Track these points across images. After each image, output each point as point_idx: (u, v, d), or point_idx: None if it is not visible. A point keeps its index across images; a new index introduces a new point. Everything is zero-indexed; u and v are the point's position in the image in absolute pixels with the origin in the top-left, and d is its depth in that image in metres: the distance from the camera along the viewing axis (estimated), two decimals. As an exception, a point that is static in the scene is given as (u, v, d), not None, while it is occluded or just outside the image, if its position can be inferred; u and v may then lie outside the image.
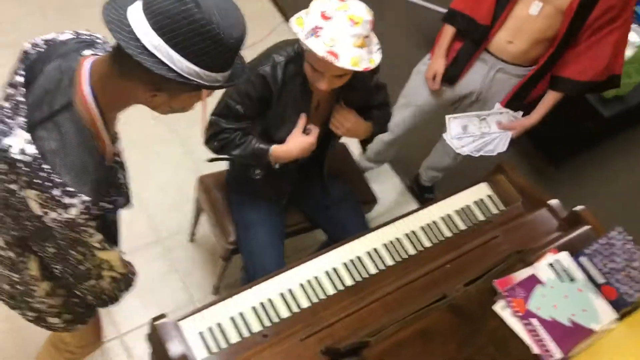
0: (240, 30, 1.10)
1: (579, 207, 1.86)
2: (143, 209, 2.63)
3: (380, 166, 3.01)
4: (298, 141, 1.86)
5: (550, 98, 2.29)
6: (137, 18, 1.04)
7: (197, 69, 1.06)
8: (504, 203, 2.00)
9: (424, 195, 3.04)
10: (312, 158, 1.97)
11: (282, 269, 1.71)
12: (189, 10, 1.01)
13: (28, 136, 1.08)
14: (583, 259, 1.71)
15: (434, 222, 1.92)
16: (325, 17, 1.57)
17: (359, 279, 1.73)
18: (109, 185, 1.26)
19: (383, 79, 1.99)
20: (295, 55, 1.78)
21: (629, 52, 3.27)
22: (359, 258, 1.78)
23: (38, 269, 1.38)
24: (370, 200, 2.41)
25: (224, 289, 2.47)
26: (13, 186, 1.14)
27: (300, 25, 1.62)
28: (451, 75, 2.36)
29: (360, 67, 1.60)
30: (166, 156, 2.84)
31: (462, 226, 1.93)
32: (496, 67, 2.30)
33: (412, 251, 1.83)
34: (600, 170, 3.51)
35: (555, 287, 1.65)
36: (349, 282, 1.72)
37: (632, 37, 3.39)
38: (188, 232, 2.58)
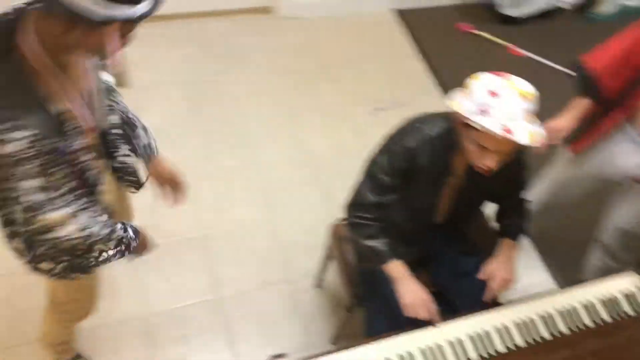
0: None
1: None
2: (280, 246, 2.73)
3: None
4: (417, 295, 1.84)
5: None
6: None
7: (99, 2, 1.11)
8: (658, 299, 1.82)
9: None
10: (450, 226, 1.93)
11: (404, 330, 1.68)
12: None
13: None
14: None
15: (574, 308, 1.78)
16: (493, 94, 1.56)
17: (484, 354, 1.65)
18: (63, 132, 1.29)
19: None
20: (445, 132, 1.76)
21: None
22: (486, 332, 1.69)
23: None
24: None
25: (343, 340, 2.46)
26: None
27: (461, 106, 1.62)
28: (573, 136, 2.18)
29: (537, 143, 1.57)
30: (307, 200, 2.94)
31: (606, 317, 1.77)
32: None
33: (546, 335, 1.71)
34: None
35: None
36: (473, 355, 1.64)
37: None
38: (316, 277, 2.63)
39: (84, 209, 1.42)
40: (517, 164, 1.89)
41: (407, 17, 3.98)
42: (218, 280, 2.61)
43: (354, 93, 3.50)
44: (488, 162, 1.64)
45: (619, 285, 1.86)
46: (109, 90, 1.63)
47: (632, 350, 1.61)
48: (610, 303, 1.80)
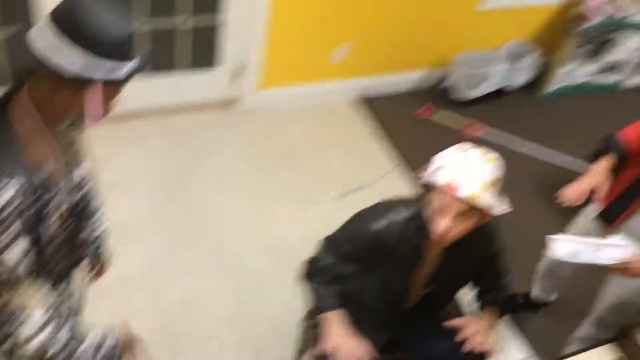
0: (115, 15, 1.14)
1: None
2: (252, 340, 2.66)
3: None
4: (349, 347, 1.84)
5: None
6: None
7: (81, 57, 1.12)
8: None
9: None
10: (425, 310, 1.93)
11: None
12: None
13: None
14: None
15: (554, 386, 1.77)
16: (452, 156, 1.60)
17: None
18: (48, 194, 1.26)
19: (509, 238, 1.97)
20: (414, 215, 1.77)
21: None
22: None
23: None
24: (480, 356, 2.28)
25: None
26: None
27: (424, 171, 1.67)
28: (610, 213, 2.18)
29: (481, 204, 1.56)
30: (278, 289, 2.90)
31: (585, 393, 1.76)
32: None
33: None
34: None
35: None
36: None
37: None
38: (292, 367, 2.56)
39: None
40: (487, 240, 1.90)
41: (368, 105, 4.13)
42: (190, 379, 2.51)
43: (320, 180, 3.56)
44: (441, 225, 1.61)
45: (598, 358, 1.86)
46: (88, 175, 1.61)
47: None
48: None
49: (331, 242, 1.91)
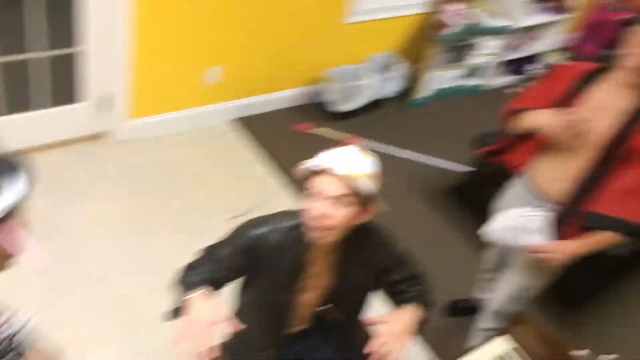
0: None
1: (606, 357, 1.76)
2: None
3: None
4: (203, 312, 1.56)
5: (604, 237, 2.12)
6: None
7: None
8: (529, 358, 1.89)
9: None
10: (316, 326, 1.87)
11: None
12: None
13: None
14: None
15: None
16: (331, 152, 1.64)
17: None
18: None
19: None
20: (298, 224, 1.72)
21: None
22: None
23: None
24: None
25: None
26: None
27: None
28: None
29: (359, 186, 1.57)
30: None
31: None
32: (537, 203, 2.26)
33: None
34: (624, 310, 3.38)
35: None
36: None
37: None
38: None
39: None
40: (381, 250, 1.85)
41: (247, 125, 4.08)
42: None
43: (206, 206, 3.43)
44: (314, 209, 1.59)
45: (493, 350, 1.91)
46: None
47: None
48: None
49: (210, 248, 1.83)
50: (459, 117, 4.64)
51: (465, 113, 4.72)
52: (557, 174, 2.20)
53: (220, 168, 3.74)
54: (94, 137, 3.65)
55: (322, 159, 1.62)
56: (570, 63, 2.43)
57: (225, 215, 3.37)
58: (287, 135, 4.09)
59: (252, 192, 3.59)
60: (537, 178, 2.28)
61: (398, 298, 1.87)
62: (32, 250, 1.11)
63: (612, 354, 1.76)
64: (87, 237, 3.08)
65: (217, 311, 1.56)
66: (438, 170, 4.04)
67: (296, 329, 1.92)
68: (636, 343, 3.15)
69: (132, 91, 3.55)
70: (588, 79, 2.15)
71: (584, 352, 1.80)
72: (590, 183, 2.12)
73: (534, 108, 2.22)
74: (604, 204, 2.08)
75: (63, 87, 3.39)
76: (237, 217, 3.34)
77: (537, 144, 2.26)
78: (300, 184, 1.70)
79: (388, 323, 1.71)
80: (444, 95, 4.78)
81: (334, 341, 1.93)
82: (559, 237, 2.17)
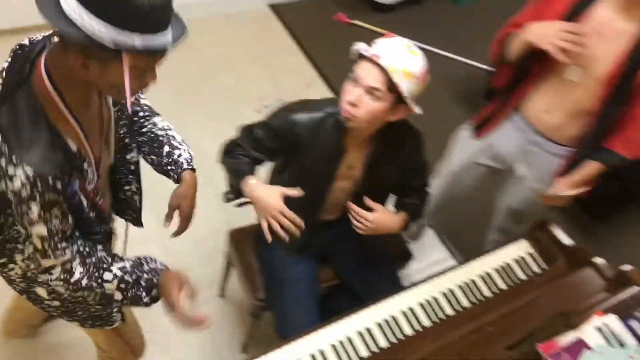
0: None
1: (626, 267, 1.76)
2: (176, 260, 2.60)
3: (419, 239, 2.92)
4: (272, 196, 1.71)
5: (592, 167, 2.00)
6: None
7: (106, 27, 1.05)
8: (546, 261, 1.91)
9: None
10: (345, 218, 1.91)
11: (313, 328, 1.65)
12: None
13: None
14: (634, 323, 1.60)
15: (473, 281, 1.83)
16: (381, 41, 1.62)
17: (393, 340, 1.65)
18: (71, 171, 1.22)
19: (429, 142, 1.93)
20: (336, 111, 1.72)
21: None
22: (393, 318, 1.70)
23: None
24: (405, 256, 2.34)
25: (253, 347, 2.40)
26: None
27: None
28: (479, 126, 2.26)
29: (398, 81, 1.57)
30: (201, 208, 2.83)
31: (502, 285, 1.84)
32: (532, 138, 2.12)
33: (449, 311, 1.75)
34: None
35: (604, 353, 1.54)
36: (383, 343, 1.64)
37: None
38: (219, 287, 2.54)
39: (86, 253, 1.33)
40: (414, 151, 1.89)
41: (283, 12, 3.96)
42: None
43: (237, 93, 3.43)
44: (349, 95, 1.62)
45: (510, 253, 1.94)
46: (139, 117, 1.59)
47: (527, 314, 1.68)
48: (504, 271, 1.88)
49: (249, 128, 1.86)
50: (507, 17, 4.42)
51: (514, 13, 4.48)
52: (549, 105, 2.02)
53: (253, 55, 3.68)
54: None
55: (374, 46, 1.60)
56: None
57: (256, 103, 3.36)
58: (324, 25, 3.97)
59: (284, 82, 3.55)
60: (529, 109, 2.08)
61: (399, 199, 1.98)
62: (131, 92, 1.16)
63: (631, 265, 1.76)
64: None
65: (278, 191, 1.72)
66: (478, 72, 3.91)
67: (327, 217, 1.97)
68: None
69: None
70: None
71: (599, 260, 1.81)
72: (605, 124, 1.93)
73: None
74: (627, 146, 1.93)
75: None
76: (267, 106, 3.34)
77: (533, 72, 2.03)
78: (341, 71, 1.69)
79: (380, 214, 1.83)
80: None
81: (355, 235, 1.96)
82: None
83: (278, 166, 1.95)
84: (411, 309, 1.73)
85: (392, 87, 1.59)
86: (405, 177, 1.94)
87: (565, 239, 1.91)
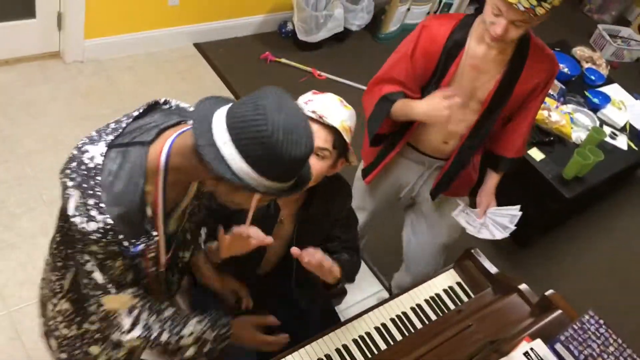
0: (302, 149, 1.15)
1: (549, 292, 1.83)
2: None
3: None
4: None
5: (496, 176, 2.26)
6: (219, 115, 1.16)
7: (253, 173, 1.14)
8: (473, 290, 1.96)
9: None
10: (277, 272, 1.88)
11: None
12: (258, 120, 1.11)
13: (104, 150, 1.24)
14: (558, 347, 1.66)
15: (404, 313, 1.85)
16: (311, 97, 1.60)
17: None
18: (139, 232, 1.28)
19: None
20: None
21: (582, 135, 3.38)
22: (328, 357, 1.69)
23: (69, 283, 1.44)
24: (339, 292, 2.33)
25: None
26: (69, 182, 1.23)
27: None
28: (366, 170, 2.35)
29: (339, 136, 1.58)
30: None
31: (433, 316, 1.87)
32: (433, 165, 2.26)
33: (383, 345, 1.75)
34: (567, 250, 3.53)
35: (533, 379, 1.58)
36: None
37: (584, 120, 3.52)
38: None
39: (144, 306, 1.39)
40: (345, 200, 1.88)
41: (209, 51, 3.95)
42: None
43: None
44: None
45: (440, 283, 1.98)
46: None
47: (459, 344, 1.71)
48: (434, 302, 1.91)
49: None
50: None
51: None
52: (445, 137, 2.15)
53: (179, 94, 3.65)
54: (50, 56, 3.50)
55: (310, 105, 1.58)
56: (430, 22, 2.27)
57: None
58: (251, 63, 4.00)
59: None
60: (426, 143, 2.21)
61: (330, 256, 1.79)
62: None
63: (553, 289, 1.83)
64: (34, 157, 3.00)
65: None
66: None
67: (264, 272, 1.91)
68: (576, 279, 3.31)
69: (88, 9, 3.38)
70: (453, 46, 2.01)
71: (524, 286, 1.87)
72: (483, 134, 2.12)
73: (404, 89, 2.11)
74: (507, 149, 2.20)
75: (14, 0, 3.21)
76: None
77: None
78: None
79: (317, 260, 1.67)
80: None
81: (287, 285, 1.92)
82: (449, 190, 2.27)
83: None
84: (346, 347, 1.72)
85: (336, 143, 1.59)
86: (333, 227, 1.89)
87: (491, 267, 1.97)
